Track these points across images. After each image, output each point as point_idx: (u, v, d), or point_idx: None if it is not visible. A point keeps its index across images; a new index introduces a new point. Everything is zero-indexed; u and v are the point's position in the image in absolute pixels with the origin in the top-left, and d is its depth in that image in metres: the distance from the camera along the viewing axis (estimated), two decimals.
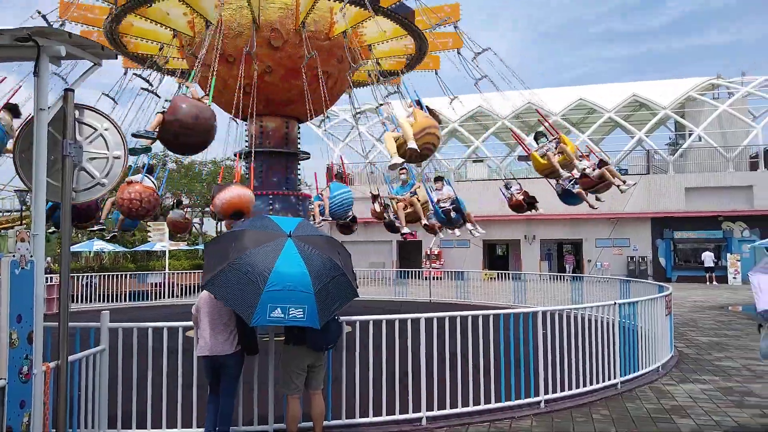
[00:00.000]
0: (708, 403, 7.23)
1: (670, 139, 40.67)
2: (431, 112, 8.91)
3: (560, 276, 20.97)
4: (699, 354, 10.52)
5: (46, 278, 19.12)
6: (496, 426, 6.39)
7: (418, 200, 11.55)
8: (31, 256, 4.24)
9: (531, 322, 7.08)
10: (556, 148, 10.52)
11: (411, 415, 6.28)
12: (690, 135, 34.74)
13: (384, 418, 6.22)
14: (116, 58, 5.30)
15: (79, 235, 27.24)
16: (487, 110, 38.55)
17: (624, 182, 10.76)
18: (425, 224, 11.80)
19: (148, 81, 11.95)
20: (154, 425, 5.69)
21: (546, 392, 7.00)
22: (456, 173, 40.28)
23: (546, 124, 11.75)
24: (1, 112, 6.85)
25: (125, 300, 20.75)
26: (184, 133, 7.47)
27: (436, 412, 6.36)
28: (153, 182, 10.45)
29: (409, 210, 11.58)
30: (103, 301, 20.11)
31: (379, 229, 19.05)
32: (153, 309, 18.19)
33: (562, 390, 7.17)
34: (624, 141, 39.29)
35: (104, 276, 21.00)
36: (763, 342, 5.11)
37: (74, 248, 27.42)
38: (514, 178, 14.12)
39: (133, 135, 7.88)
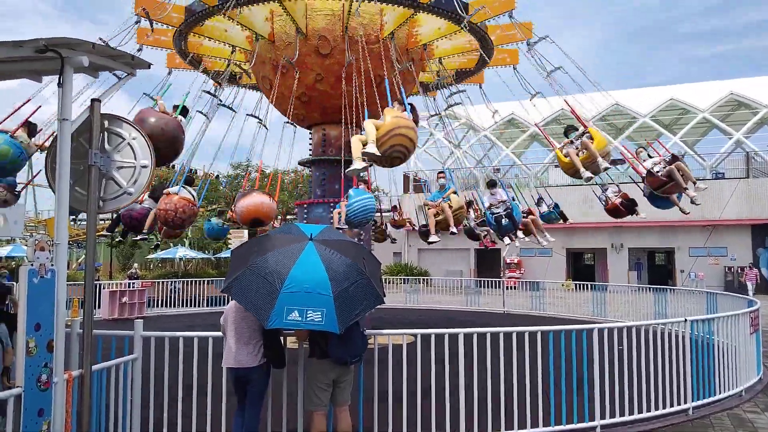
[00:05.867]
0: None
1: None
2: (412, 110, 8.03)
3: (647, 288, 19.58)
4: None
5: (132, 284, 20.13)
6: None
7: (450, 207, 10.96)
8: (52, 265, 4.30)
9: (585, 340, 6.50)
10: (581, 145, 9.53)
11: None
12: None
13: None
14: (149, 68, 5.32)
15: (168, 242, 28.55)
16: (568, 113, 37.15)
17: (695, 185, 9.60)
18: (452, 231, 11.17)
19: (215, 96, 12.34)
20: None
21: (602, 417, 6.40)
22: (538, 178, 39.04)
23: (575, 116, 10.76)
24: (20, 131, 6.96)
25: (203, 305, 21.49)
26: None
27: None
28: (191, 193, 10.48)
29: (440, 217, 10.95)
30: (186, 306, 20.97)
31: (457, 237, 18.43)
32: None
33: (622, 415, 6.54)
34: (721, 143, 36.62)
35: (186, 282, 21.93)
36: None
37: (161, 254, 28.83)
38: (607, 183, 13.04)
39: None
